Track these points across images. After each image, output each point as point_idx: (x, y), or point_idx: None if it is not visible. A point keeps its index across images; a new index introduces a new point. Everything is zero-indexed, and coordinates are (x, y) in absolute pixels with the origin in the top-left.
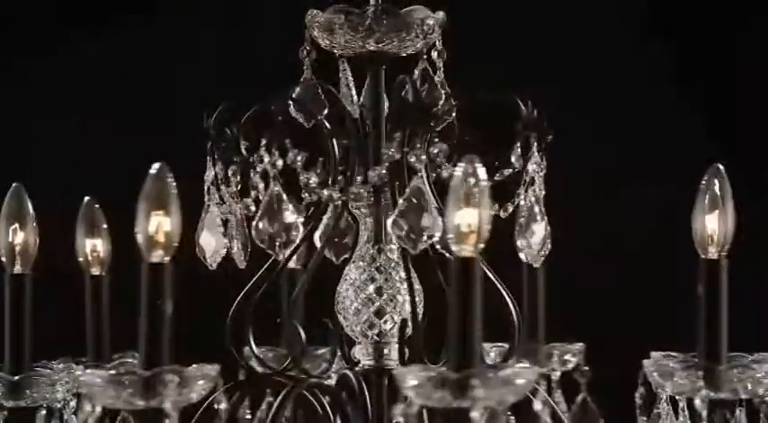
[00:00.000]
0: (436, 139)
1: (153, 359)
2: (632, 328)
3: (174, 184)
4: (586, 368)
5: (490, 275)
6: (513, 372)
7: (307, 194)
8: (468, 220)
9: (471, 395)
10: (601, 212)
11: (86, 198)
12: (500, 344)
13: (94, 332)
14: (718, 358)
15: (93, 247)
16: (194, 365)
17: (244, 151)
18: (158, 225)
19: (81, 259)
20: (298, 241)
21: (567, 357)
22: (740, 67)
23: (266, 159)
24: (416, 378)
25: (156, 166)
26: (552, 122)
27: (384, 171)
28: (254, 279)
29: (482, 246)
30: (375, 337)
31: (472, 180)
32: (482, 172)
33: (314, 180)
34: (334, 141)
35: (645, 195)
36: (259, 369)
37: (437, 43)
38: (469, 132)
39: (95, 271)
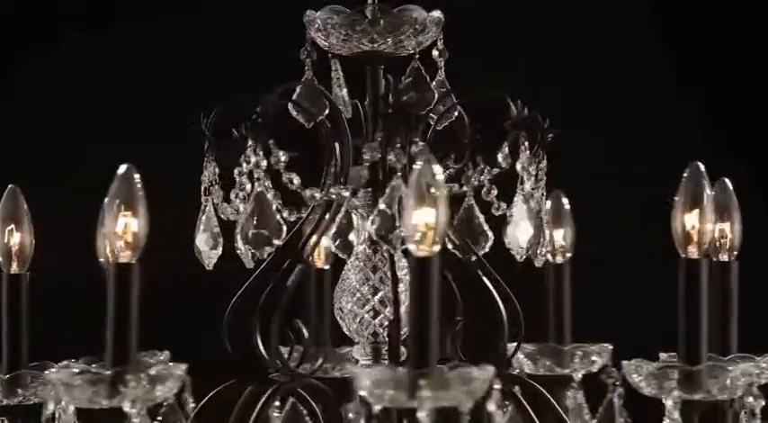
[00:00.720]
0: (416, 139)
1: (119, 359)
2: (647, 329)
3: (141, 184)
4: (614, 369)
5: (483, 277)
6: (464, 372)
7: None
8: (425, 220)
9: (419, 395)
10: (611, 213)
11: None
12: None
13: None
14: (698, 359)
15: None
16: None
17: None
18: (125, 226)
19: (102, 260)
20: (305, 239)
21: (593, 358)
22: (740, 68)
23: (252, 160)
24: (369, 378)
25: (123, 167)
26: (555, 123)
27: (365, 171)
28: (252, 277)
29: (439, 245)
30: (370, 337)
31: (429, 179)
32: (439, 171)
33: (297, 181)
34: (335, 143)
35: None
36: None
37: (438, 42)
38: (475, 131)
39: None
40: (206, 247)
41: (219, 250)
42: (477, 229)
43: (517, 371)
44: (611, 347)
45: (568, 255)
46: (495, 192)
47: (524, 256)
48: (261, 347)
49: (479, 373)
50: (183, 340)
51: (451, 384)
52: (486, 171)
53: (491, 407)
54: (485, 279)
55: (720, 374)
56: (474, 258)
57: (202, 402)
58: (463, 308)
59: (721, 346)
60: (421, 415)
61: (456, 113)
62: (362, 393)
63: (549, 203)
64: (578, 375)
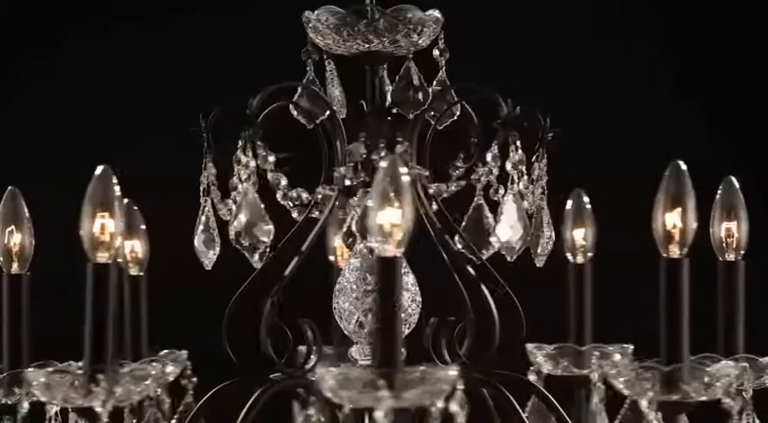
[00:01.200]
0: (399, 138)
1: (95, 358)
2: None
3: (118, 186)
4: None
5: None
6: (426, 373)
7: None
8: (390, 220)
9: (377, 396)
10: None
11: (125, 200)
12: (542, 345)
13: (134, 331)
14: (677, 360)
15: (132, 247)
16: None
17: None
18: (103, 226)
19: (120, 260)
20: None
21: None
22: (741, 68)
23: (243, 160)
24: (333, 378)
25: (100, 168)
26: (554, 123)
27: (350, 172)
28: (251, 277)
29: (403, 246)
30: (367, 337)
31: (394, 179)
32: (404, 170)
33: (284, 181)
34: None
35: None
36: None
37: (439, 42)
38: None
39: (134, 271)
40: (205, 247)
41: (218, 250)
42: (486, 229)
43: (535, 374)
44: (632, 348)
45: (589, 254)
46: (502, 191)
47: (514, 257)
48: (268, 347)
49: (442, 373)
50: (182, 340)
51: (412, 385)
52: (493, 170)
53: (453, 407)
54: (481, 284)
55: (697, 375)
56: (478, 261)
57: (201, 402)
58: (471, 309)
59: (727, 347)
60: (378, 415)
61: (458, 112)
62: (327, 394)
63: (569, 203)
64: (595, 376)
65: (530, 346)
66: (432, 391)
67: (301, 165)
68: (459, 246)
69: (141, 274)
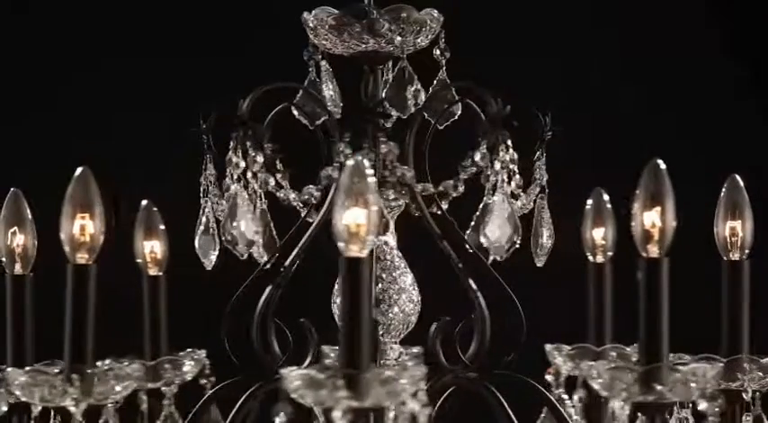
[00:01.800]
0: (383, 139)
1: (74, 358)
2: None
3: (97, 186)
4: None
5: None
6: (387, 373)
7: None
8: (355, 220)
9: (335, 396)
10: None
11: (144, 201)
12: (561, 345)
13: (152, 331)
14: (655, 360)
15: (152, 248)
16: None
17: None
18: (83, 227)
19: (140, 261)
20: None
21: (633, 359)
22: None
23: (235, 160)
24: (298, 378)
25: (79, 169)
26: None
27: (336, 172)
28: (251, 277)
29: (368, 245)
30: None
31: (359, 179)
32: (370, 170)
33: (272, 182)
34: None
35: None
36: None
37: (440, 41)
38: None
39: (153, 272)
40: (205, 247)
41: (218, 250)
42: None
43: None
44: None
45: (609, 254)
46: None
47: (504, 256)
48: (274, 346)
49: (406, 374)
50: (182, 339)
51: (371, 385)
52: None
53: (416, 406)
54: (473, 283)
55: (672, 376)
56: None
57: (201, 401)
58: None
59: (731, 347)
60: (336, 414)
61: (459, 112)
62: (293, 394)
63: (589, 202)
64: None
65: (548, 346)
66: (391, 391)
67: (305, 165)
68: (468, 248)
69: (161, 274)
